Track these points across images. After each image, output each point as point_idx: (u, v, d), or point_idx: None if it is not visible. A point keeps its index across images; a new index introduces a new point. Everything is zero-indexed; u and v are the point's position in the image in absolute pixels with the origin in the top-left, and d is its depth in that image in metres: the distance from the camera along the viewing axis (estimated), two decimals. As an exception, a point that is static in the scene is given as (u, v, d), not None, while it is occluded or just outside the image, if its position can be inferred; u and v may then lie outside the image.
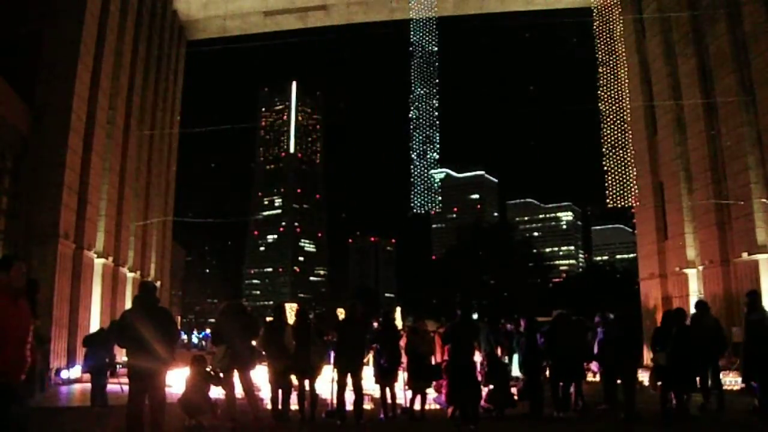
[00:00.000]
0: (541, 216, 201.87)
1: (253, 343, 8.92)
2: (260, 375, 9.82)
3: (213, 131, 27.66)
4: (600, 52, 21.35)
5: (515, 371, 12.01)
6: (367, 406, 10.14)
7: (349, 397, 9.19)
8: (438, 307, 49.21)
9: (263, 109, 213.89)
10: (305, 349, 9.27)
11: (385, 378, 9.79)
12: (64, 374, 15.01)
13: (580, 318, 11.65)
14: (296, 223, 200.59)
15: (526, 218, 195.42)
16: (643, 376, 11.41)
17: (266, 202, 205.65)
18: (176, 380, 10.20)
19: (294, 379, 9.39)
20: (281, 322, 9.43)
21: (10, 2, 16.00)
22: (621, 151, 20.64)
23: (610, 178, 20.64)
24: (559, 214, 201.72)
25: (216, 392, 8.91)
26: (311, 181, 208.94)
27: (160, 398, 6.79)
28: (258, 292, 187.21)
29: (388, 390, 9.79)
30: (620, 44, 21.62)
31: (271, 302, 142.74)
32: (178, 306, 50.73)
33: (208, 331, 42.64)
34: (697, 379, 9.59)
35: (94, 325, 17.14)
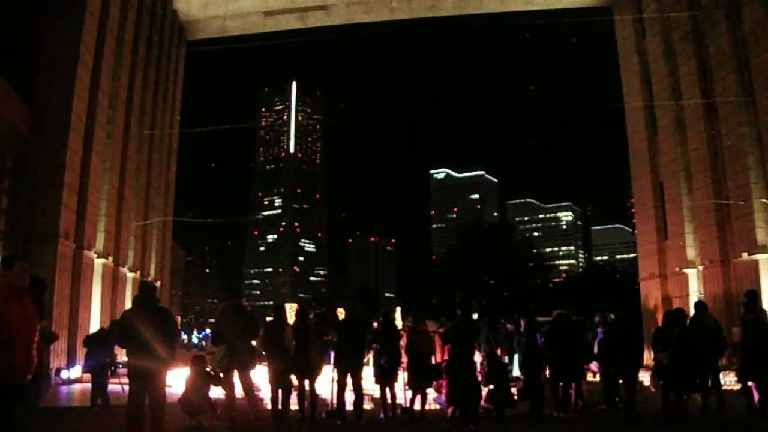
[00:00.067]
0: (541, 216, 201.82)
1: (253, 343, 8.90)
2: (260, 375, 9.81)
3: (213, 131, 27.72)
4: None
5: (516, 371, 12.02)
6: (367, 406, 10.14)
7: (349, 397, 9.19)
8: (438, 307, 49.14)
9: (263, 109, 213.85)
10: (305, 349, 9.27)
11: (385, 378, 9.79)
12: (64, 374, 15.02)
13: (580, 318, 11.65)
14: (296, 223, 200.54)
15: (526, 218, 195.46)
16: (644, 376, 11.41)
17: (266, 202, 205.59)
18: (176, 380, 10.20)
19: (294, 379, 9.39)
20: (281, 322, 9.43)
21: (10, 2, 16.00)
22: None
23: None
24: (559, 214, 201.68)
25: (216, 392, 8.91)
26: (311, 181, 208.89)
27: (160, 398, 6.79)
28: (258, 292, 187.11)
29: (388, 390, 9.79)
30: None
31: (271, 302, 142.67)
32: (178, 306, 50.74)
33: (208, 331, 42.68)
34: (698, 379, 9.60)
35: (94, 325, 17.15)
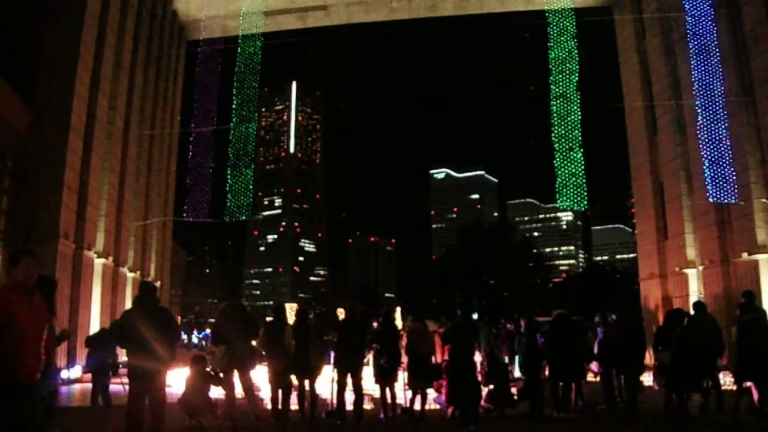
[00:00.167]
0: (541, 216, 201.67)
1: (253, 343, 8.91)
2: (260, 375, 9.81)
3: (213, 131, 27.61)
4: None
5: (517, 372, 12.01)
6: (367, 406, 10.15)
7: (349, 397, 9.19)
8: (438, 307, 49.14)
9: (263, 109, 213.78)
10: (305, 349, 9.27)
11: (385, 378, 9.80)
12: (64, 374, 15.00)
13: (580, 318, 11.65)
14: (296, 223, 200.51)
15: (526, 218, 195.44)
16: (645, 376, 11.40)
17: (266, 202, 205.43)
18: (176, 380, 10.20)
19: (294, 379, 9.39)
20: (281, 322, 9.42)
21: (10, 2, 16.00)
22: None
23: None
24: (559, 214, 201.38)
25: (216, 392, 8.91)
26: (311, 181, 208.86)
27: (161, 398, 6.78)
28: (258, 292, 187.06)
29: (388, 390, 9.80)
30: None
31: (271, 302, 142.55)
32: (178, 306, 50.66)
33: (208, 331, 42.61)
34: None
35: (94, 325, 17.16)
